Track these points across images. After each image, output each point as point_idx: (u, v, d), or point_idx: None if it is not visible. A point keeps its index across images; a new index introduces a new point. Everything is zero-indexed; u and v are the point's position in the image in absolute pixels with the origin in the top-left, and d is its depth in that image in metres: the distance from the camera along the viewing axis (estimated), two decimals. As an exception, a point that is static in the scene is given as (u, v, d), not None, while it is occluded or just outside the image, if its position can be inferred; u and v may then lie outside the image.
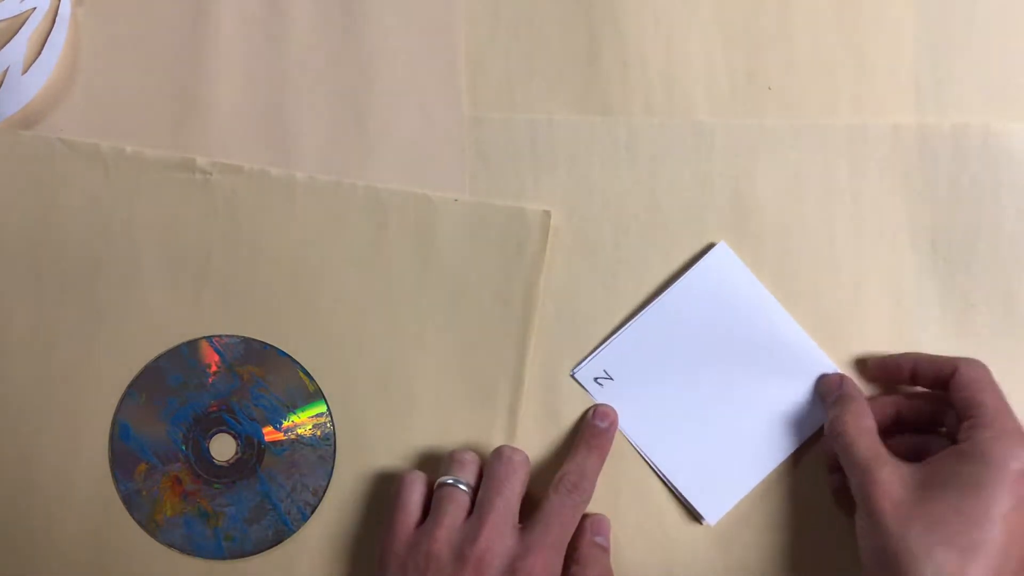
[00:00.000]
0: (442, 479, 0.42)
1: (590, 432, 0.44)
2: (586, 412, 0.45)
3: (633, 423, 0.45)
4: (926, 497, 0.38)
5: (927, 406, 0.44)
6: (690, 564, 0.45)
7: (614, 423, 0.45)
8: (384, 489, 0.45)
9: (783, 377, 0.45)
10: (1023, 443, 0.39)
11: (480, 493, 0.42)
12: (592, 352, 0.46)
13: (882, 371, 0.45)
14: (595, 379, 0.45)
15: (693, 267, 0.45)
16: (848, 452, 0.41)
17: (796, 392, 0.45)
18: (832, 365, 0.45)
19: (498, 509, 0.41)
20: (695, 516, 0.45)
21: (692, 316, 0.45)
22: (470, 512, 0.42)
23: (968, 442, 0.39)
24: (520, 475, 0.42)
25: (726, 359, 0.45)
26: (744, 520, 0.45)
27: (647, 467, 0.45)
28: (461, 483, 0.42)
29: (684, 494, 0.45)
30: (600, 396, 0.45)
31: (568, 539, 0.42)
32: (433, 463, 0.45)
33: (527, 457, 0.43)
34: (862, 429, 0.41)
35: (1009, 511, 0.37)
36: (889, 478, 0.39)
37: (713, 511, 0.45)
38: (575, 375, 0.46)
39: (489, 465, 0.43)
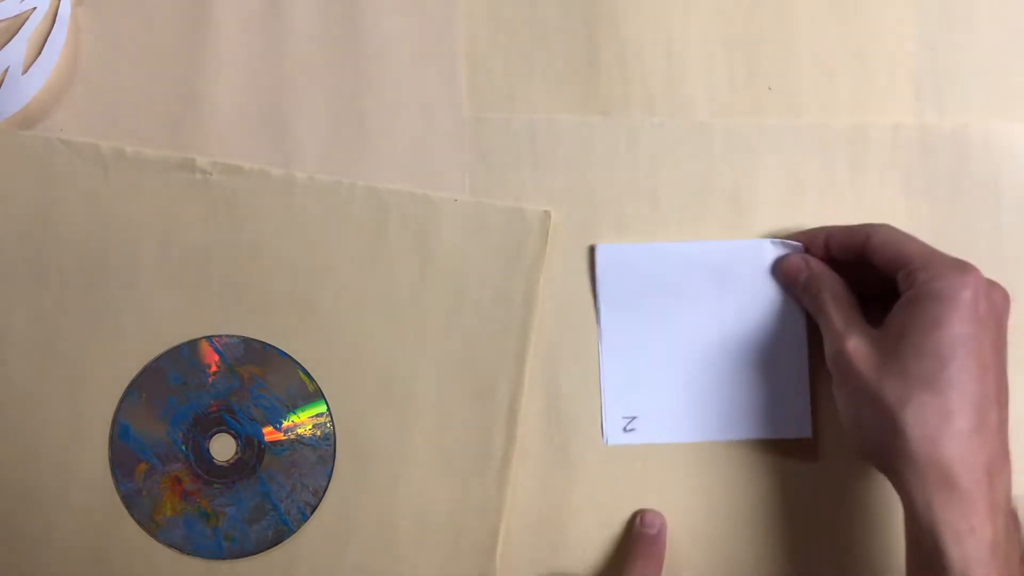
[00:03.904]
0: None
1: (645, 541, 0.44)
2: (633, 517, 0.45)
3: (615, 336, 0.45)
4: (892, 350, 0.39)
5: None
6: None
7: (663, 529, 0.44)
8: (384, 489, 0.45)
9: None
10: (962, 271, 0.39)
11: None
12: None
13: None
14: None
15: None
16: (827, 326, 0.42)
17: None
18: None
19: None
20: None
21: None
22: None
23: (912, 289, 0.39)
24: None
25: (720, 320, 0.45)
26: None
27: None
28: None
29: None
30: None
31: None
32: (433, 463, 0.45)
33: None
34: (839, 302, 0.42)
35: (971, 339, 0.38)
36: (857, 343, 0.40)
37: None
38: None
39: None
